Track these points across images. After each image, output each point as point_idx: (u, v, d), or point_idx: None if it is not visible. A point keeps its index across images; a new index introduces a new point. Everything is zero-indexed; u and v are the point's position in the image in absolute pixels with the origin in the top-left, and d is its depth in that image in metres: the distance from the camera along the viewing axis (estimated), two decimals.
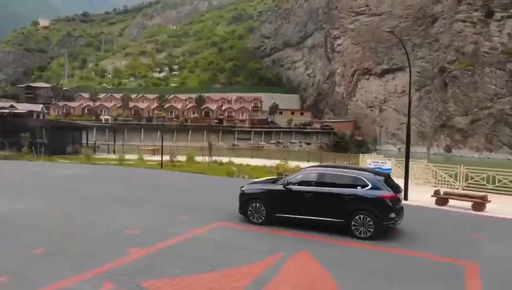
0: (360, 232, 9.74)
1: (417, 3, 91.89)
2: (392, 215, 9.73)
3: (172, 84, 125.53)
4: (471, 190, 17.19)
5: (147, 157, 31.03)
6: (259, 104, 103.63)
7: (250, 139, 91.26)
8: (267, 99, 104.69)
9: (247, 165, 27.36)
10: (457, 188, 18.12)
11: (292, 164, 25.90)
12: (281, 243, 9.49)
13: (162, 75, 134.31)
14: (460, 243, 10.13)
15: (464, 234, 11.18)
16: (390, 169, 22.47)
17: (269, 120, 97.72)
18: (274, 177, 15.60)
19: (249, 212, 11.03)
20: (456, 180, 18.66)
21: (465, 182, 18.33)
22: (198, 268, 7.63)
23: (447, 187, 18.57)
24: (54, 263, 7.70)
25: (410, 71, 23.83)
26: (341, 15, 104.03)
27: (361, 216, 9.73)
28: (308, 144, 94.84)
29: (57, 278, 6.96)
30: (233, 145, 78.97)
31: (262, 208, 10.81)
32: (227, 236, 10.03)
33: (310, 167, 12.20)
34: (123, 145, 36.84)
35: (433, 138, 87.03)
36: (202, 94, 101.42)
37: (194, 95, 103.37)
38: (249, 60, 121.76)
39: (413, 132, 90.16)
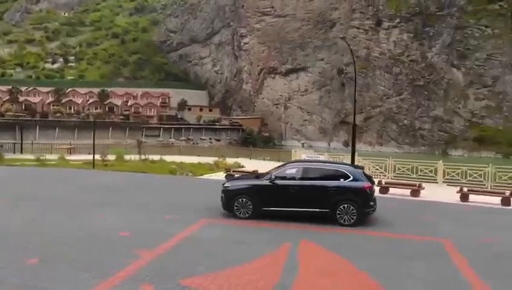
0: (344, 220, 10.81)
1: (317, 9, 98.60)
2: (371, 203, 10.99)
3: (69, 77, 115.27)
4: (399, 179, 19.76)
5: (66, 157, 28.57)
6: (167, 100, 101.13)
7: (159, 136, 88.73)
8: (175, 95, 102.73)
9: (181, 162, 27.06)
10: (388, 178, 20.60)
11: (230, 160, 26.39)
12: (279, 235, 10.07)
13: (55, 66, 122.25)
14: (424, 224, 11.81)
15: (419, 216, 12.96)
16: None
17: (179, 116, 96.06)
18: (249, 172, 15.95)
19: (235, 207, 11.36)
20: (386, 171, 21.22)
21: (394, 172, 20.97)
22: (220, 264, 7.84)
23: (381, 178, 21.00)
24: (67, 273, 7.20)
25: (356, 72, 25.81)
26: (247, 14, 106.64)
27: (345, 205, 10.79)
28: (218, 140, 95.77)
29: (85, 287, 6.60)
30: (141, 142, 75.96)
31: (249, 202, 11.23)
32: (223, 232, 10.26)
33: (291, 162, 12.87)
34: (32, 144, 33.17)
35: (333, 133, 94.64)
36: (105, 88, 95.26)
37: (95, 89, 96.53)
38: (155, 54, 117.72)
39: (315, 128, 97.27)
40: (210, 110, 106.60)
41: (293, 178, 11.21)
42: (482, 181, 18.37)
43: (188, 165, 24.05)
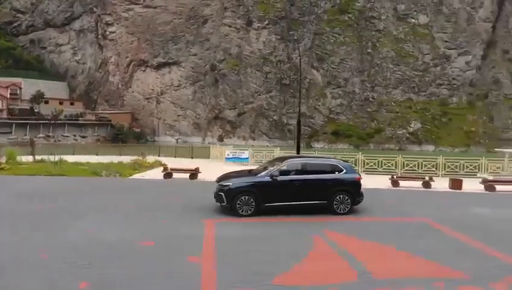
0: (340, 209, 11.83)
1: (189, 3, 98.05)
2: (361, 192, 12.26)
3: None
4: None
5: None
6: (18, 92, 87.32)
7: (11, 132, 76.45)
8: (28, 86, 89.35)
9: (88, 162, 24.49)
10: None
11: (151, 158, 24.96)
12: (296, 228, 10.47)
13: None
14: (396, 208, 13.61)
15: (382, 201, 14.80)
16: (248, 158, 25.14)
17: (36, 110, 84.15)
18: (239, 170, 15.39)
19: (238, 205, 11.31)
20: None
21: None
22: (283, 260, 7.97)
23: None
24: None
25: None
26: (114, 1, 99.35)
27: (341, 196, 11.83)
28: (84, 137, 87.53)
29: None
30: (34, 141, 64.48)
31: (252, 200, 11.33)
32: (243, 230, 10.16)
33: (288, 158, 13.12)
34: None
35: (207, 128, 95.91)
36: None
37: None
38: None
39: (189, 123, 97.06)
40: (72, 104, 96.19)
41: (294, 173, 11.73)
42: (394, 169, 21.87)
43: (100, 165, 21.88)
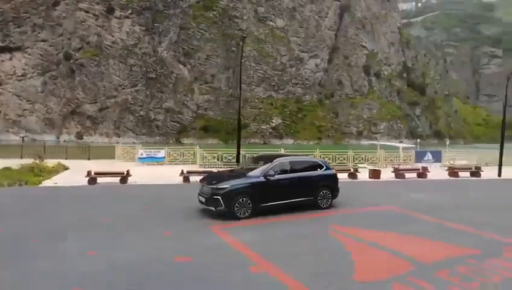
0: (323, 204, 12.48)
1: None
2: (338, 187, 13.09)
3: None
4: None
5: None
6: None
7: None
8: None
9: None
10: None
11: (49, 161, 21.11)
12: (305, 226, 10.68)
13: None
14: (362, 198, 14.81)
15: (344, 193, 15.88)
16: (163, 157, 23.72)
17: None
18: (229, 169, 14.17)
19: (236, 208, 10.91)
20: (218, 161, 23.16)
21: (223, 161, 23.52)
22: (339, 255, 8.25)
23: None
24: None
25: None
26: None
27: (324, 191, 12.49)
28: None
29: None
30: None
31: (249, 201, 11.06)
32: (261, 232, 9.88)
33: (276, 156, 12.85)
34: None
35: (63, 125, 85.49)
36: None
37: None
38: None
39: (39, 119, 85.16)
40: None
41: (283, 172, 11.80)
42: None
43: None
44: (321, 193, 12.40)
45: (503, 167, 22.05)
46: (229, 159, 22.59)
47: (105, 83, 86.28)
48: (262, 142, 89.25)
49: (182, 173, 17.84)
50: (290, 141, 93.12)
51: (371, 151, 28.69)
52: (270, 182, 11.38)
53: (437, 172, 21.50)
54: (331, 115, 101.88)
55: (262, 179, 11.33)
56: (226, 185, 10.97)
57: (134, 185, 16.97)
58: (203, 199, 11.32)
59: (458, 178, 20.98)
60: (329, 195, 12.58)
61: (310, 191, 12.22)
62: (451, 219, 11.79)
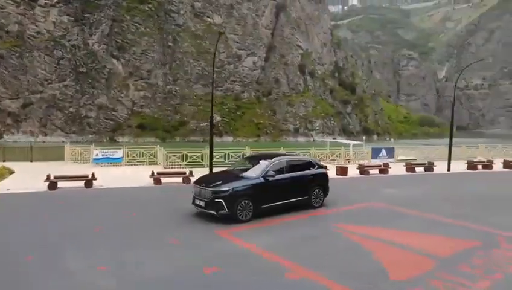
0: (316, 203, 12.58)
1: None
2: (328, 186, 13.21)
3: None
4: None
5: None
6: None
7: None
8: None
9: None
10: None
11: None
12: (311, 226, 10.66)
13: None
14: (342, 196, 15.01)
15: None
16: (121, 158, 22.27)
17: None
18: (215, 172, 13.21)
19: (239, 211, 10.55)
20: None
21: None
22: (360, 254, 8.38)
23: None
24: None
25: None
26: None
27: (317, 190, 12.58)
28: None
29: None
30: None
31: (250, 203, 10.77)
32: (274, 234, 9.65)
33: (272, 156, 12.48)
34: None
35: None
36: None
37: None
38: None
39: None
40: None
41: (281, 172, 11.60)
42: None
43: None
44: (314, 192, 12.47)
45: (437, 161, 24.19)
46: (193, 159, 21.87)
47: (29, 77, 78.97)
48: (201, 140, 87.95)
49: (153, 174, 16.86)
50: (230, 139, 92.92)
51: (321, 149, 29.56)
52: (270, 183, 11.20)
53: (396, 168, 22.74)
54: (269, 112, 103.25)
55: (262, 179, 11.09)
56: (228, 187, 10.56)
57: (101, 189, 15.69)
58: (201, 203, 10.78)
59: (415, 173, 22.40)
60: (322, 194, 12.71)
61: (306, 191, 12.25)
62: (435, 212, 12.55)
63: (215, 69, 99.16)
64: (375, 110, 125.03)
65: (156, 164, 23.14)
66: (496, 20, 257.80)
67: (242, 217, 10.62)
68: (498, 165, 25.65)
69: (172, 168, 21.04)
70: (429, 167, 22.84)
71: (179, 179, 17.43)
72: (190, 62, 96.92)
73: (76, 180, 15.98)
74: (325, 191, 12.92)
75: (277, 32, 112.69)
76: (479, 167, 24.32)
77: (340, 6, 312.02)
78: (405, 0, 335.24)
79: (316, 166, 12.91)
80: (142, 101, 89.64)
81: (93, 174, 16.08)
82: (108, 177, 17.96)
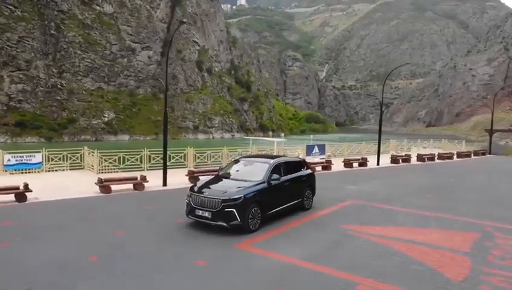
0: (307, 204, 12.21)
1: None
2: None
3: None
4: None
5: None
6: None
7: None
8: None
9: None
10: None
11: None
12: (323, 230, 10.20)
13: None
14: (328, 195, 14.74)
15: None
16: (41, 163, 18.80)
17: None
18: (212, 177, 11.16)
19: (249, 220, 9.62)
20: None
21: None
22: (393, 255, 8.32)
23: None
24: None
25: None
26: None
27: (308, 191, 12.19)
28: None
29: None
30: None
31: (259, 211, 9.92)
32: (299, 243, 8.95)
33: (268, 157, 11.46)
34: None
35: None
36: None
37: None
38: None
39: None
40: None
41: (280, 175, 10.84)
42: (184, 163, 22.39)
43: None
44: (306, 193, 12.06)
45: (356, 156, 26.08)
46: (132, 162, 19.55)
47: None
48: (94, 139, 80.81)
49: (101, 181, 14.51)
50: (126, 137, 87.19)
51: (243, 146, 29.35)
52: (273, 187, 10.43)
53: (336, 164, 23.60)
54: (167, 109, 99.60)
55: (266, 184, 10.25)
56: (239, 194, 9.50)
57: (41, 203, 12.87)
58: (205, 214, 9.52)
59: (353, 168, 23.57)
60: (311, 195, 12.36)
61: (301, 193, 11.81)
62: (412, 206, 13.25)
63: (107, 62, 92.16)
64: (269, 108, 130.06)
65: (82, 168, 20.10)
66: (365, 28, 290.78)
67: (252, 226, 9.67)
68: (413, 159, 28.75)
69: (111, 173, 18.47)
70: (363, 163, 24.35)
71: (129, 186, 15.36)
72: (78, 53, 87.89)
73: (4, 193, 12.83)
74: (314, 191, 12.61)
75: (173, 27, 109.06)
76: (400, 160, 26.86)
77: (229, 5, 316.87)
78: (289, 4, 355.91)
79: (305, 166, 12.50)
80: (20, 95, 78.34)
81: (26, 186, 13.07)
82: (37, 187, 14.89)
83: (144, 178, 15.46)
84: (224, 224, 9.36)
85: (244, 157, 12.58)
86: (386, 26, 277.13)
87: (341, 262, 7.86)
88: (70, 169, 20.00)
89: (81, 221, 10.53)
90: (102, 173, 18.69)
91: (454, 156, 32.53)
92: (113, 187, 14.86)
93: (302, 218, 11.33)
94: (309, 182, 12.35)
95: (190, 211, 9.91)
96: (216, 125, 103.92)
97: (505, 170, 26.87)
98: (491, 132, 41.86)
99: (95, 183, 14.74)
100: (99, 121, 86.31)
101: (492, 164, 31.21)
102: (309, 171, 12.55)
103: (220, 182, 10.33)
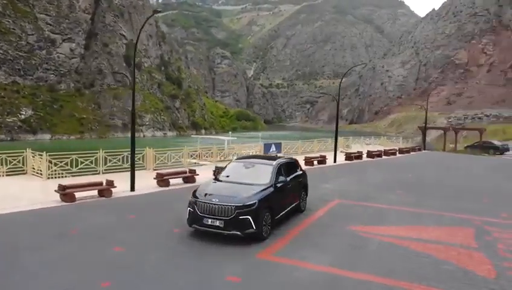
0: (303, 206, 11.81)
1: None
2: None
3: None
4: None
5: None
6: None
7: None
8: None
9: None
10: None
11: None
12: (332, 232, 9.85)
13: None
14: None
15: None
16: None
17: None
18: (211, 180, 9.75)
19: (263, 227, 8.96)
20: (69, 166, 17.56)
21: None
22: (420, 257, 8.31)
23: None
24: None
25: None
26: None
27: (303, 192, 11.79)
28: None
29: None
30: None
31: (269, 216, 9.30)
32: (329, 251, 8.47)
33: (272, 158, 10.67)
34: None
35: None
36: None
37: None
38: None
39: None
40: None
41: (282, 176, 10.24)
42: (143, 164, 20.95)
43: None
44: (302, 194, 11.65)
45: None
46: (86, 165, 17.50)
47: None
48: (9, 139, 72.87)
49: (63, 189, 12.68)
50: (47, 136, 79.89)
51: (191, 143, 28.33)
52: (278, 190, 9.85)
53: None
54: (93, 106, 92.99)
55: (272, 188, 9.64)
56: (253, 199, 8.77)
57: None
58: (216, 223, 8.63)
59: (314, 166, 23.69)
60: (305, 196, 11.99)
61: (299, 195, 11.35)
62: (398, 203, 13.48)
63: (23, 54, 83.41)
64: (201, 105, 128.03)
65: (25, 173, 17.56)
66: (291, 28, 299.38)
67: (264, 233, 8.98)
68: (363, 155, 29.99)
69: (62, 178, 16.30)
70: (322, 160, 24.63)
71: (94, 192, 13.65)
72: None
73: None
74: (307, 192, 12.21)
75: (98, 18, 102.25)
76: (353, 157, 27.71)
77: None
78: (216, 1, 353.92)
79: (299, 166, 12.05)
80: None
81: None
82: None
83: (111, 183, 13.85)
84: (238, 233, 8.56)
85: (241, 158, 11.74)
86: (310, 28, 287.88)
87: (376, 268, 7.56)
88: (7, 175, 17.39)
89: (61, 238, 8.98)
90: (52, 178, 16.49)
91: (397, 153, 34.49)
92: (76, 194, 13.11)
93: (302, 221, 10.89)
94: (304, 182, 11.94)
95: (195, 220, 8.92)
96: (147, 123, 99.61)
97: (447, 165, 28.96)
98: (424, 129, 45.27)
99: (55, 190, 12.87)
100: (15, 118, 77.99)
101: (433, 159, 33.67)
102: (301, 171, 12.12)
103: (226, 187, 9.46)
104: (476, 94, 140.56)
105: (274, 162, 10.42)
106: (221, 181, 9.96)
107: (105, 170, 18.21)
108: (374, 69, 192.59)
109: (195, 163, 22.14)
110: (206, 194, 9.03)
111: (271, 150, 26.39)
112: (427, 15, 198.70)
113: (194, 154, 23.41)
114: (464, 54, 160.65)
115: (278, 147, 27.29)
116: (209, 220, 8.68)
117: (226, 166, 11.05)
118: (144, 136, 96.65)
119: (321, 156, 25.07)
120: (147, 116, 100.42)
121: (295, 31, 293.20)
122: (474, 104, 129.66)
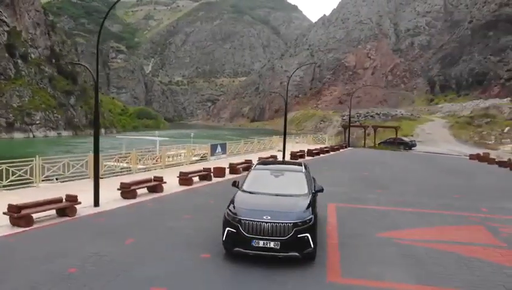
0: None
1: None
2: None
3: None
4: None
5: None
6: None
7: None
8: None
9: None
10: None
11: None
12: (366, 240, 9.20)
13: None
14: None
15: None
16: None
17: None
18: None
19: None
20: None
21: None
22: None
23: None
24: None
25: None
26: None
27: None
28: None
29: None
30: None
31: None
32: (380, 267, 7.74)
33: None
34: None
35: None
36: None
37: None
38: None
39: None
40: None
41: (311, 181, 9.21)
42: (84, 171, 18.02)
43: None
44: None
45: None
46: (20, 175, 14.04)
47: None
48: None
49: (18, 210, 9.83)
50: None
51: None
52: (314, 199, 8.88)
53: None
54: None
55: (311, 197, 8.64)
56: (309, 214, 7.64)
57: None
58: (272, 244, 7.30)
59: None
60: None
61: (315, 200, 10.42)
62: (389, 204, 13.46)
63: None
64: (99, 103, 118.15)
65: None
66: (190, 25, 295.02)
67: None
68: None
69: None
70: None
71: (52, 212, 10.91)
72: None
73: None
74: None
75: None
76: (298, 157, 27.70)
77: None
78: None
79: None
80: None
81: None
82: None
83: (74, 199, 11.24)
84: (297, 254, 7.34)
85: (260, 165, 10.27)
86: (210, 25, 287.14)
87: (448, 280, 7.07)
88: None
89: (62, 280, 6.69)
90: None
91: (330, 150, 35.68)
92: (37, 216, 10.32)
93: (324, 231, 10.06)
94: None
95: (238, 242, 7.42)
96: (37, 122, 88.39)
97: (382, 161, 29.67)
98: (349, 127, 47.72)
99: (4, 213, 9.93)
100: None
101: (365, 155, 34.87)
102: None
103: (267, 200, 8.09)
104: (363, 94, 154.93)
105: (302, 168, 9.39)
106: (252, 193, 8.53)
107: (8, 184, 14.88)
108: (274, 68, 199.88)
109: (145, 169, 19.69)
110: (253, 211, 7.58)
111: (217, 151, 24.97)
112: (319, 20, 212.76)
113: (125, 159, 20.19)
114: (352, 58, 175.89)
115: (223, 148, 25.97)
116: (261, 242, 7.28)
117: (247, 175, 9.61)
118: (33, 136, 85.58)
119: (272, 156, 24.51)
120: (37, 114, 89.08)
121: (194, 28, 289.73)
122: (361, 104, 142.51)
